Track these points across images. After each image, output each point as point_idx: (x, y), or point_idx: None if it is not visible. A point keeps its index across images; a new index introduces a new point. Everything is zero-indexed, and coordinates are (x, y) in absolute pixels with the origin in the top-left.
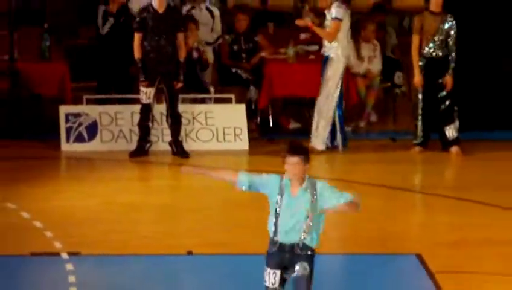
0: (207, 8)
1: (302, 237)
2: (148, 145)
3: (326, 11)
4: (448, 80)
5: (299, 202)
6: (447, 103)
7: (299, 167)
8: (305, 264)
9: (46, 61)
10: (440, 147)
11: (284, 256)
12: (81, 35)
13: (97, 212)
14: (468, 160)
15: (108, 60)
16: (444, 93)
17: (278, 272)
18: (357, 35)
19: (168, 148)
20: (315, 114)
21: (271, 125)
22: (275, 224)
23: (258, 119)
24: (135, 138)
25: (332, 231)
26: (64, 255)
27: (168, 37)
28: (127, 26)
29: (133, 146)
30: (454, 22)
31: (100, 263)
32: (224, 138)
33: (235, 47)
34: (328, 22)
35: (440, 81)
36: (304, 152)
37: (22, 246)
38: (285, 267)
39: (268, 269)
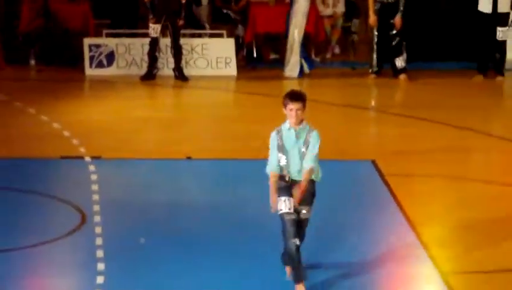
0: None
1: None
2: (155, 70)
3: None
4: (397, 20)
5: (300, 143)
6: (397, 39)
7: (300, 111)
8: (309, 208)
9: (73, 2)
10: (391, 75)
11: (291, 188)
12: None
13: (114, 124)
14: (414, 85)
15: (122, 2)
16: (394, 31)
17: (292, 199)
18: None
19: (172, 73)
20: (288, 48)
21: (254, 56)
22: (287, 166)
23: (245, 51)
24: (145, 65)
25: None
26: (88, 159)
27: None
28: None
29: (143, 71)
30: None
31: (117, 164)
32: (217, 66)
33: None
34: None
35: (391, 21)
36: (303, 99)
37: (53, 151)
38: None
39: (283, 198)
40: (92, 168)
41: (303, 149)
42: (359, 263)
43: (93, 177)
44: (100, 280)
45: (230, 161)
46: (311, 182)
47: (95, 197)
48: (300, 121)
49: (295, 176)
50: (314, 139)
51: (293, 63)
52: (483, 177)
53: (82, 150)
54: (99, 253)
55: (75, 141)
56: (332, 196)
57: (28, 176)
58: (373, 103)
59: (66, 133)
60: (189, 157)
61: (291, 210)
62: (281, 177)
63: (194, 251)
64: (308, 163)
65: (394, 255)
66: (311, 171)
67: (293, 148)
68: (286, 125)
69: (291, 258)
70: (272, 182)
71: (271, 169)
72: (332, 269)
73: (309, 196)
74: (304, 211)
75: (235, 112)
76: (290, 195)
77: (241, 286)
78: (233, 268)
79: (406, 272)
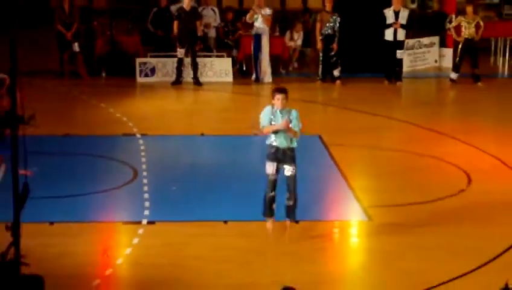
0: (211, 8)
1: (289, 144)
2: (181, 79)
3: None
4: (335, 46)
5: (283, 120)
6: (334, 58)
7: (283, 100)
8: (294, 166)
9: (129, 35)
10: (331, 81)
11: (278, 155)
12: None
13: (155, 113)
14: (345, 87)
15: (159, 36)
16: (333, 53)
17: (275, 164)
18: (291, 26)
19: (191, 80)
20: (263, 64)
21: (244, 69)
22: (271, 137)
23: (238, 66)
24: (174, 75)
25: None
26: (138, 135)
27: (191, 23)
28: (170, 18)
29: (173, 79)
30: (338, 16)
31: (157, 139)
32: (220, 76)
33: (226, 28)
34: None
35: (330, 46)
36: (285, 91)
37: (117, 130)
38: (279, 161)
39: (269, 162)
40: (141, 141)
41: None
42: (304, 200)
43: (142, 147)
44: (146, 212)
45: (230, 136)
46: (292, 149)
47: (143, 160)
48: (284, 106)
49: (281, 142)
50: (294, 116)
51: (268, 74)
52: (388, 146)
53: (135, 129)
54: (146, 196)
55: (130, 124)
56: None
57: (100, 146)
58: (318, 99)
59: (125, 119)
60: (202, 134)
61: (274, 172)
62: (271, 146)
63: (210, 193)
64: (295, 129)
65: (330, 195)
66: (296, 133)
67: (280, 121)
68: (275, 108)
69: (265, 203)
70: (267, 128)
71: (264, 125)
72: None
73: (291, 158)
74: (288, 168)
75: (232, 104)
76: (276, 161)
77: (243, 213)
78: (237, 203)
79: (337, 207)
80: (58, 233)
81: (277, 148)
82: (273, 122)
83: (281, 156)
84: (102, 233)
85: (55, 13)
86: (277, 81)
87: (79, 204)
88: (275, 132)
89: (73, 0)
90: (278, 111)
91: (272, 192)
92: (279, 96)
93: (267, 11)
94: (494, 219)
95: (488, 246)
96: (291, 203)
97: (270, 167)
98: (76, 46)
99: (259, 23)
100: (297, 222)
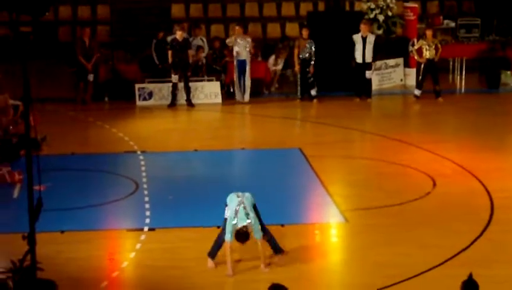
0: (201, 38)
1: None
2: (175, 101)
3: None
4: (311, 68)
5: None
6: (311, 78)
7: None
8: (249, 219)
9: (128, 63)
10: (309, 99)
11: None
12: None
13: (153, 132)
14: (321, 105)
15: (155, 64)
16: (309, 74)
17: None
18: (276, 52)
19: (185, 103)
20: (247, 85)
21: (231, 91)
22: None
23: (226, 88)
24: (170, 98)
25: (249, 136)
26: (139, 152)
27: (184, 52)
28: (165, 48)
29: (168, 102)
30: (313, 42)
31: (155, 155)
32: (210, 97)
33: (214, 55)
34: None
35: (307, 69)
36: (246, 239)
37: (119, 148)
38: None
39: (228, 236)
40: (141, 157)
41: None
42: (287, 206)
43: (142, 162)
44: (147, 220)
45: (220, 151)
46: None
47: (143, 174)
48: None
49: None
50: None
51: (247, 94)
52: (361, 155)
53: (135, 147)
54: (146, 206)
55: (131, 142)
56: (277, 167)
57: (104, 162)
58: (297, 116)
59: (126, 138)
60: (196, 150)
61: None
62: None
63: (204, 202)
64: (256, 236)
65: (311, 200)
66: (262, 242)
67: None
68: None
69: (216, 246)
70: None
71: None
72: (272, 204)
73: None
74: (252, 229)
75: (221, 123)
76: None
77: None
78: (219, 206)
79: (318, 211)
80: (69, 241)
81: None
82: (234, 220)
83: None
84: (108, 240)
85: (77, 45)
86: (260, 101)
87: (87, 214)
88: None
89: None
90: (241, 214)
91: (226, 237)
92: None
93: (248, 39)
94: (457, 217)
95: (453, 242)
96: (268, 240)
97: (228, 236)
98: (91, 77)
99: (241, 49)
100: (283, 252)
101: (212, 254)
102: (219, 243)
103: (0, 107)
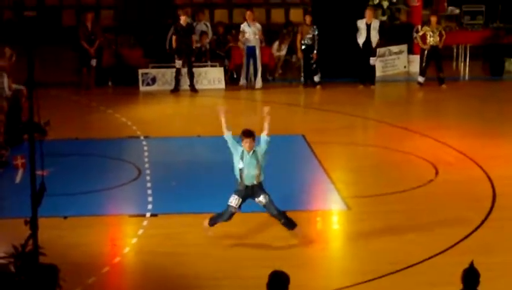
0: (204, 23)
1: (256, 181)
2: (179, 87)
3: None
4: (314, 54)
5: (251, 162)
6: (314, 65)
7: (251, 143)
8: (264, 194)
9: (132, 48)
10: (312, 86)
11: (247, 191)
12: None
13: (156, 117)
14: (325, 91)
15: (160, 49)
16: (313, 61)
17: (240, 199)
18: (280, 38)
19: (188, 88)
20: (259, 72)
21: (235, 76)
22: (241, 175)
23: (229, 74)
24: (173, 84)
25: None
26: (142, 138)
27: (187, 37)
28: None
29: (172, 87)
30: (316, 29)
31: (158, 140)
32: (213, 83)
33: (218, 41)
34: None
35: (311, 55)
36: (252, 134)
37: (122, 133)
38: (248, 197)
39: (236, 196)
40: (144, 143)
41: (255, 163)
42: (290, 192)
43: (145, 148)
44: (150, 206)
45: (221, 137)
46: (259, 183)
47: (146, 159)
48: (251, 148)
49: (249, 180)
50: (260, 151)
51: (259, 81)
52: (365, 142)
53: (138, 132)
54: (149, 191)
55: (134, 127)
56: (280, 153)
57: (107, 148)
58: (300, 102)
59: (129, 123)
60: (199, 135)
61: (237, 207)
62: (240, 183)
63: (207, 188)
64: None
65: (314, 187)
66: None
67: (249, 164)
68: (244, 152)
69: (216, 218)
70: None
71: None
72: (274, 190)
73: (260, 189)
74: (261, 199)
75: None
76: (244, 198)
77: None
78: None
79: (320, 198)
80: (71, 226)
81: (246, 187)
82: (240, 164)
83: (250, 193)
84: (110, 225)
85: (79, 30)
86: (264, 86)
87: (90, 200)
88: (243, 172)
89: (96, 18)
90: (246, 154)
91: (222, 221)
92: (246, 140)
93: (258, 26)
94: (459, 205)
95: (455, 230)
96: (282, 221)
97: (235, 200)
98: (94, 62)
99: (250, 35)
100: (294, 227)
101: (212, 221)
102: (216, 217)
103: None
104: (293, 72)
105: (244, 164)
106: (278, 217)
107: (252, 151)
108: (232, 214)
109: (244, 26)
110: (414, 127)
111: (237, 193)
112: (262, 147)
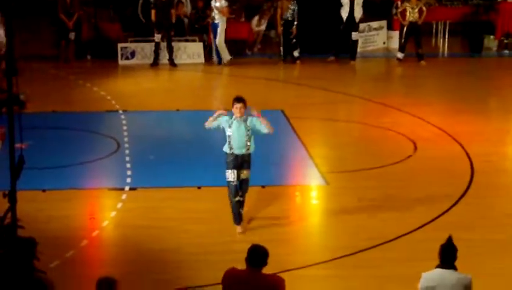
0: None
1: (246, 150)
2: (158, 61)
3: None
4: (294, 29)
5: (241, 129)
6: (294, 40)
7: (242, 109)
8: (249, 169)
9: (111, 22)
10: (291, 61)
11: (237, 161)
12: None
13: (135, 91)
14: (304, 66)
15: (138, 23)
16: (292, 36)
17: (235, 171)
18: (261, 13)
19: (167, 62)
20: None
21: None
22: (230, 144)
23: (208, 48)
24: (152, 57)
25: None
26: (120, 111)
27: (167, 11)
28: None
29: (151, 61)
30: (296, 4)
31: (137, 114)
32: (192, 57)
33: (197, 15)
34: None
35: (290, 30)
36: (243, 100)
37: (101, 107)
38: (238, 168)
39: (230, 170)
40: (122, 117)
41: (244, 130)
42: (269, 167)
43: (124, 121)
44: (128, 180)
45: (202, 111)
46: (249, 154)
47: (125, 133)
48: (242, 114)
49: (239, 149)
50: (254, 122)
51: (226, 54)
52: (344, 118)
53: (117, 106)
54: (128, 165)
55: (113, 101)
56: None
57: (85, 121)
58: (280, 77)
59: (108, 97)
60: (178, 110)
61: (235, 180)
62: (229, 154)
63: (185, 162)
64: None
65: (293, 162)
66: (268, 123)
67: (237, 130)
68: (233, 118)
69: (234, 211)
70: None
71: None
72: (253, 165)
73: (248, 163)
74: (244, 172)
75: (203, 83)
76: (236, 168)
77: (214, 179)
78: (209, 171)
79: (299, 173)
80: (50, 199)
81: (236, 156)
82: (229, 132)
83: (240, 162)
84: (89, 199)
85: (58, 3)
86: (242, 61)
87: (68, 173)
88: (231, 138)
89: None
90: (235, 121)
91: (235, 197)
92: (238, 105)
93: (223, 2)
94: (437, 181)
95: (433, 206)
96: (242, 199)
97: (231, 175)
98: (72, 35)
99: (215, 12)
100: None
101: (236, 220)
102: (232, 206)
103: None
104: (273, 47)
105: (233, 130)
106: (244, 199)
107: (241, 118)
108: (236, 188)
109: (213, 2)
110: (393, 103)
111: (229, 166)
112: (254, 121)
